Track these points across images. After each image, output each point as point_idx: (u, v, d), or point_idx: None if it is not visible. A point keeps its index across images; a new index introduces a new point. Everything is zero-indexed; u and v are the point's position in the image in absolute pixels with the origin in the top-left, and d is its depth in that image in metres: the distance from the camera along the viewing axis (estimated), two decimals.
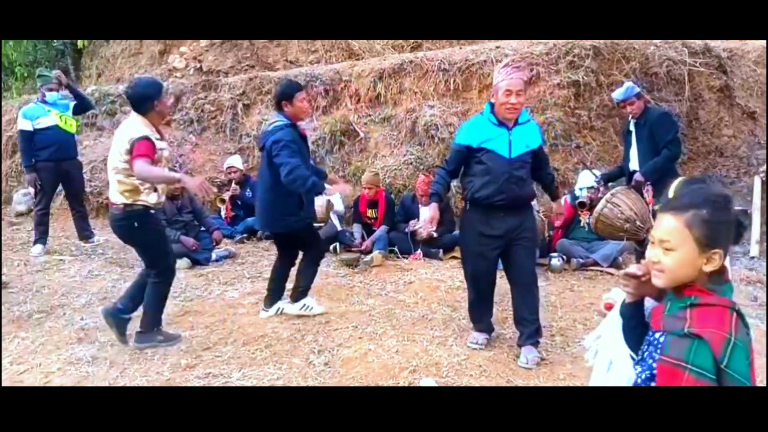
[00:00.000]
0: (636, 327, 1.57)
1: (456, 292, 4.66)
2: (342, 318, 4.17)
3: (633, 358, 1.58)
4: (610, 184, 5.10)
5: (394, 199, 6.23)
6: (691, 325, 1.33)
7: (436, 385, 3.17)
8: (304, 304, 4.17)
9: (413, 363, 3.43)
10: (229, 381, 3.27)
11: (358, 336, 3.85)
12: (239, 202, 6.63)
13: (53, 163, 5.91)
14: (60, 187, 6.33)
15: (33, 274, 5.34)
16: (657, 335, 1.43)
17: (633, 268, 1.57)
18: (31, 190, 6.87)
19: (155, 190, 3.54)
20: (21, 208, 8.16)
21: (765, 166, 6.43)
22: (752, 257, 5.66)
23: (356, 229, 6.00)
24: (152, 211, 3.56)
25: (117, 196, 3.48)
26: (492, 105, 3.43)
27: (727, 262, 1.54)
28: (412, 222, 5.82)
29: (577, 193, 5.50)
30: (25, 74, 11.60)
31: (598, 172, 5.45)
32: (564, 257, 5.35)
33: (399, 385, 3.17)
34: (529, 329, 3.52)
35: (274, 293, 4.20)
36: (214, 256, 5.63)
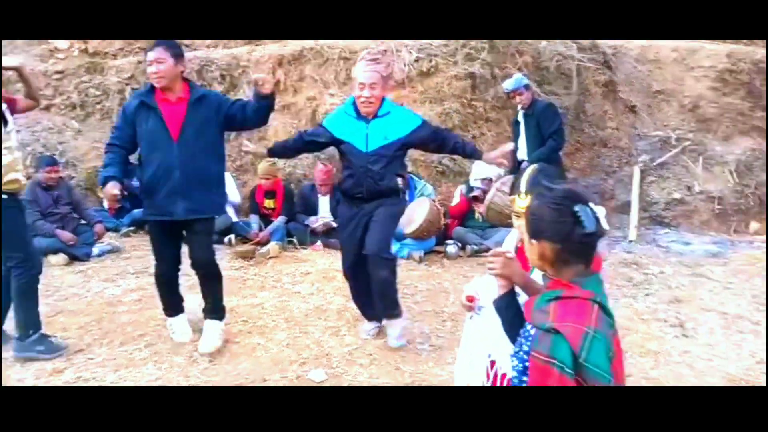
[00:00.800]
0: (514, 318, 1.55)
1: None
2: (232, 312, 4.00)
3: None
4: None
5: (293, 189, 6.10)
6: (552, 320, 1.34)
7: (326, 376, 3.13)
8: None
9: (303, 355, 3.37)
10: (103, 384, 3.04)
11: (248, 330, 3.72)
12: (125, 193, 6.20)
13: None
14: None
15: None
16: (528, 327, 1.44)
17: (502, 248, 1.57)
18: None
19: (15, 171, 3.21)
20: None
21: (643, 156, 6.94)
22: (630, 241, 6.07)
23: (253, 220, 5.81)
24: (4, 196, 3.19)
25: None
26: (354, 98, 3.40)
27: (603, 250, 1.56)
28: (312, 219, 5.74)
29: (472, 183, 5.62)
30: None
31: (499, 170, 5.59)
32: (459, 244, 5.48)
33: (286, 378, 3.09)
34: (382, 303, 3.49)
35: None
36: (95, 251, 5.24)
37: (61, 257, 4.99)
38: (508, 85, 5.12)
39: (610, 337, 1.35)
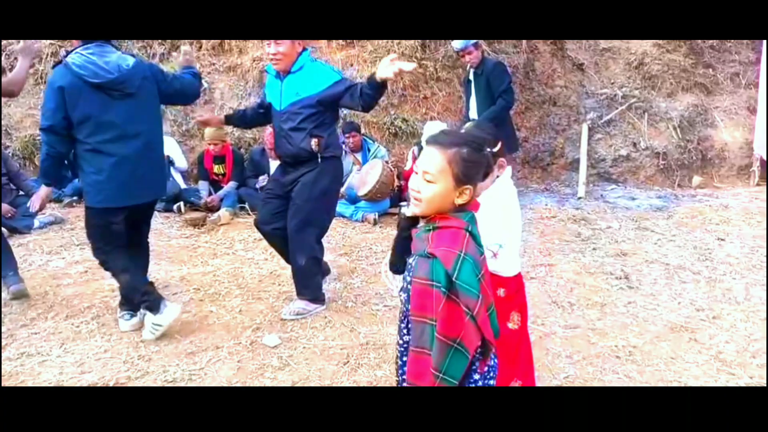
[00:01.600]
0: (405, 240, 1.63)
1: None
2: (183, 281, 3.94)
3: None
4: None
5: (242, 154, 5.96)
6: (431, 247, 1.46)
7: (280, 341, 3.12)
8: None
9: (257, 321, 3.35)
10: (48, 359, 2.95)
11: (200, 299, 3.67)
12: (66, 162, 5.92)
13: None
14: None
15: None
16: (410, 260, 1.55)
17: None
18: None
19: None
20: None
21: (592, 114, 7.06)
22: (579, 198, 6.23)
23: (202, 187, 5.67)
24: None
25: None
26: None
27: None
28: (261, 178, 5.62)
29: (424, 145, 5.61)
30: None
31: (444, 125, 5.59)
32: None
33: (240, 344, 3.07)
34: (299, 282, 3.46)
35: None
36: (37, 223, 5.01)
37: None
38: (457, 44, 5.08)
39: (479, 260, 1.47)
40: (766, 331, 3.23)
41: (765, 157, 6.51)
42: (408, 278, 1.54)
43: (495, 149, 1.70)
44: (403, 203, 5.48)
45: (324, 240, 3.61)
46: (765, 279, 3.90)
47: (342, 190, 5.35)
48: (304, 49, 3.28)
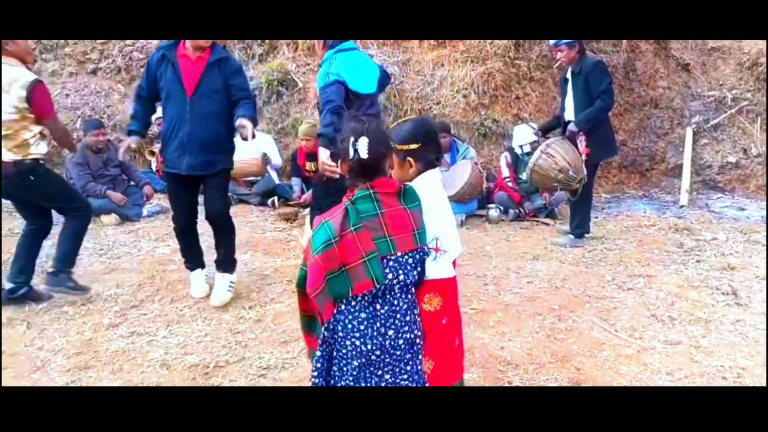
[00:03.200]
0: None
1: None
2: (277, 273, 4.10)
3: None
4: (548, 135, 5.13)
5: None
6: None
7: None
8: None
9: None
10: (155, 339, 3.17)
11: (292, 290, 3.78)
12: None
13: None
14: None
15: None
16: None
17: None
18: None
19: (44, 137, 3.35)
20: None
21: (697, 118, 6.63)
22: (681, 206, 5.87)
23: (295, 183, 5.86)
24: (42, 161, 3.39)
25: (4, 153, 3.21)
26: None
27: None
28: None
29: (517, 150, 5.47)
30: None
31: (534, 125, 5.45)
32: (501, 208, 5.40)
33: None
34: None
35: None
36: (145, 211, 5.40)
37: (113, 217, 5.17)
38: (551, 40, 4.89)
39: (337, 227, 1.68)
40: (766, 330, 3.15)
41: None
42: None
43: (407, 147, 1.94)
44: (491, 205, 5.40)
45: None
46: None
47: None
48: (330, 48, 3.40)
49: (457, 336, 2.05)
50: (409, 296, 1.81)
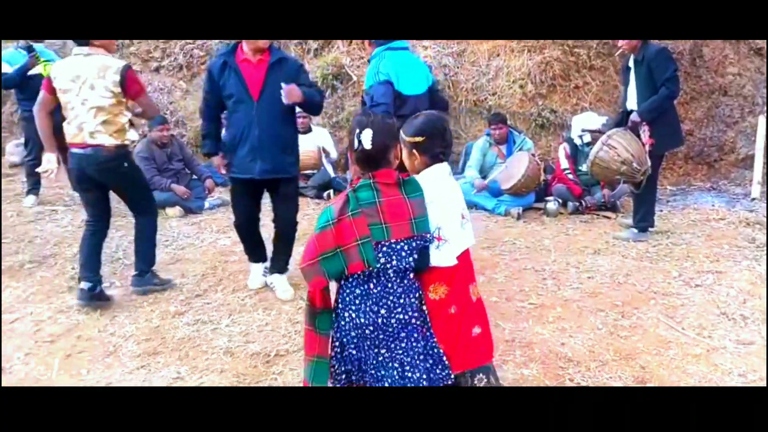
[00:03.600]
0: None
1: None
2: None
3: None
4: None
5: None
6: None
7: None
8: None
9: None
10: (218, 327, 3.28)
11: None
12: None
13: None
14: None
15: (25, 224, 5.31)
16: None
17: None
18: (22, 140, 6.75)
19: (132, 125, 3.51)
20: (14, 159, 8.06)
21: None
22: (753, 198, 5.58)
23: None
24: (130, 148, 3.56)
25: (105, 138, 3.37)
26: None
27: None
28: None
29: (577, 141, 5.33)
30: None
31: (603, 119, 5.26)
32: (560, 201, 5.28)
33: None
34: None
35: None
36: (206, 204, 5.58)
37: (177, 210, 5.37)
38: None
39: (336, 211, 1.82)
40: (766, 331, 3.07)
41: None
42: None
43: (413, 140, 1.99)
44: (549, 198, 5.29)
45: None
46: None
47: (485, 182, 5.30)
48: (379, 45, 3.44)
49: (477, 324, 2.07)
50: (405, 281, 1.90)
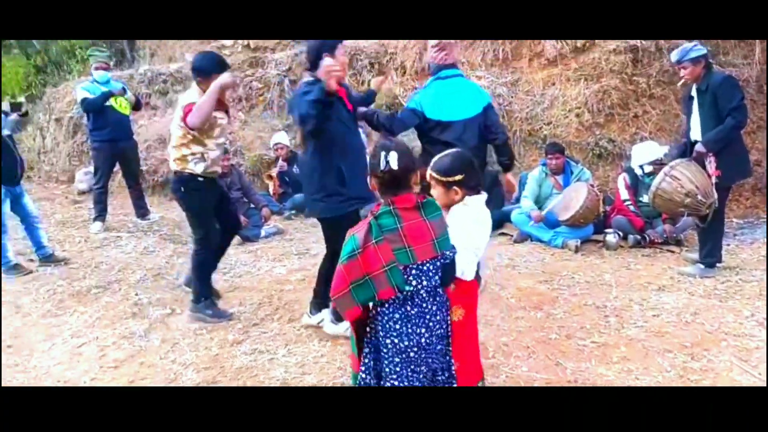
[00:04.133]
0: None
1: (504, 270, 4.55)
2: None
3: None
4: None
5: None
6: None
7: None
8: (322, 319, 3.59)
9: None
10: (275, 357, 3.31)
11: None
12: (287, 179, 6.67)
13: (109, 143, 6.08)
14: (117, 166, 6.52)
15: (92, 250, 5.56)
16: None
17: None
18: (91, 169, 7.11)
19: (203, 159, 3.62)
20: (82, 187, 8.51)
21: None
22: None
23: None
24: (200, 179, 3.67)
25: (172, 164, 3.72)
26: None
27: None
28: None
29: (637, 171, 5.16)
30: (85, 56, 12.00)
31: (665, 149, 5.09)
32: (620, 233, 5.11)
33: None
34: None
35: (322, 295, 3.52)
36: (263, 232, 5.70)
37: (234, 238, 5.48)
38: (673, 55, 4.58)
39: (361, 240, 1.90)
40: (766, 332, 3.09)
41: None
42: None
43: (453, 179, 2.17)
44: (608, 230, 5.13)
45: (521, 264, 3.54)
46: None
47: (542, 213, 5.20)
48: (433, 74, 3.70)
49: (475, 337, 2.32)
50: (437, 298, 2.01)
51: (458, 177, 2.16)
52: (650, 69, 5.84)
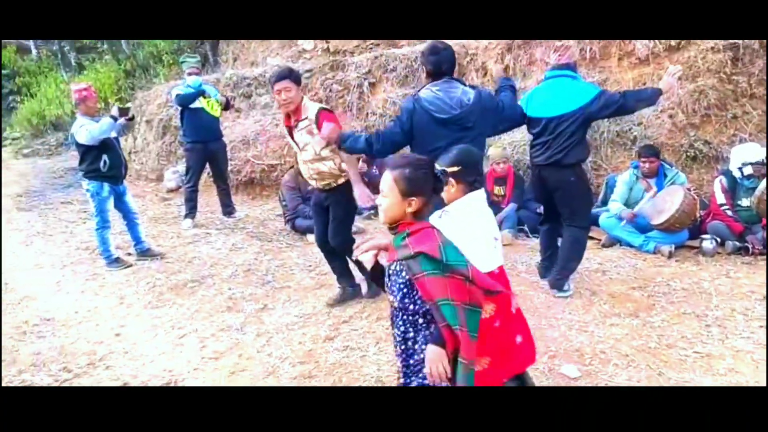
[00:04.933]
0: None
1: (594, 275, 4.41)
2: None
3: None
4: None
5: (523, 176, 6.00)
6: (413, 248, 1.87)
7: (579, 374, 3.03)
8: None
9: (552, 348, 3.31)
10: (366, 354, 3.36)
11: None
12: (366, 180, 6.74)
13: (201, 144, 6.38)
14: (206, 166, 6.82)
15: (185, 245, 5.84)
16: (392, 266, 1.97)
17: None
18: (180, 168, 7.45)
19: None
20: (171, 185, 8.95)
21: None
22: None
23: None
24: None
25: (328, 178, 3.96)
26: None
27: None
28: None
29: (736, 174, 4.87)
30: (171, 61, 12.65)
31: (763, 148, 4.79)
32: (717, 239, 4.84)
33: (538, 370, 3.07)
34: None
35: None
36: None
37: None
38: None
39: (455, 243, 1.91)
40: (766, 333, 3.11)
41: None
42: (398, 279, 1.95)
43: (450, 169, 2.25)
44: (705, 236, 4.87)
45: (611, 269, 4.01)
46: None
47: (633, 211, 5.01)
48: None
49: (519, 334, 2.30)
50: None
51: (455, 168, 2.27)
52: (752, 67, 5.48)
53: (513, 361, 2.27)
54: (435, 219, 2.17)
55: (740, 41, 5.48)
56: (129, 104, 6.86)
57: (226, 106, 6.68)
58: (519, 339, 2.29)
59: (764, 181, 4.05)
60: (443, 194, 2.19)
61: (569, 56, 3.98)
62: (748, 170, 4.77)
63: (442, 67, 3.30)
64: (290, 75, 3.69)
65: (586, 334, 3.46)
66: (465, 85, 3.33)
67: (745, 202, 4.88)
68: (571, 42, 4.01)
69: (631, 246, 5.00)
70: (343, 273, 4.16)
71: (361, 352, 3.41)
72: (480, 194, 2.30)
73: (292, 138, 3.88)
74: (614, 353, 3.22)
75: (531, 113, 3.95)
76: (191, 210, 6.57)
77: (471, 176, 2.29)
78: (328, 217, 4.00)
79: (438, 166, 2.15)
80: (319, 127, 3.60)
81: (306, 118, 3.70)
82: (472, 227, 2.22)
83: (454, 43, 7.24)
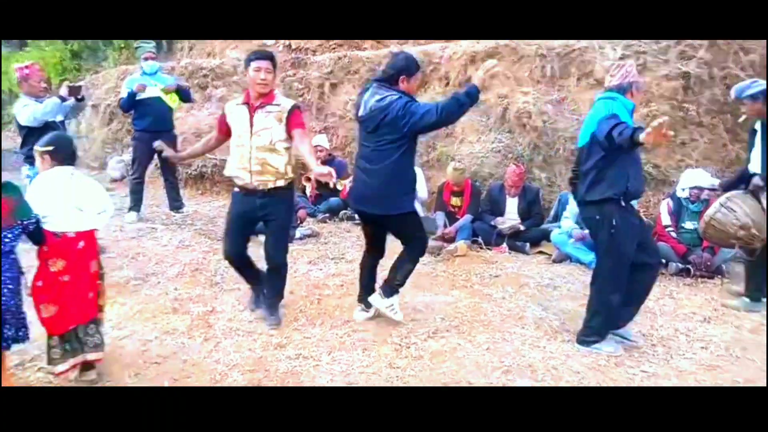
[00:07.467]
0: None
1: (546, 290, 4.48)
2: (427, 309, 4.10)
3: None
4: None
5: (480, 188, 6.05)
6: None
7: None
8: (392, 304, 3.76)
9: (506, 363, 3.32)
10: (319, 364, 3.27)
11: (446, 329, 3.76)
12: (324, 182, 6.64)
13: (150, 134, 6.09)
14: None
15: (128, 240, 5.58)
16: None
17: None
18: (126, 158, 7.14)
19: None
20: (115, 175, 8.57)
21: None
22: None
23: (439, 217, 5.87)
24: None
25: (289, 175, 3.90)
26: None
27: None
28: (499, 219, 5.66)
29: (680, 194, 5.09)
30: (122, 44, 12.13)
31: (715, 180, 5.02)
32: (662, 260, 5.01)
33: (492, 384, 3.07)
34: None
35: (369, 290, 3.86)
36: (298, 234, 5.67)
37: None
38: (732, 92, 4.47)
39: None
40: (766, 333, 3.14)
41: None
42: None
43: (42, 149, 2.87)
44: None
45: (562, 285, 3.78)
46: None
47: (584, 232, 5.12)
48: None
49: (91, 291, 2.94)
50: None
51: (49, 148, 2.84)
52: (701, 97, 5.73)
53: (81, 312, 2.88)
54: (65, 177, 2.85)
55: (692, 70, 5.73)
56: (81, 82, 6.47)
57: (187, 98, 6.42)
58: (91, 295, 2.92)
59: (713, 206, 4.21)
60: (38, 166, 2.90)
61: (623, 76, 3.42)
62: (685, 193, 5.02)
63: (386, 72, 3.55)
64: (272, 58, 3.59)
65: (538, 350, 3.48)
66: (394, 93, 3.41)
67: (689, 224, 5.09)
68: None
69: (580, 263, 5.11)
70: (256, 278, 3.98)
71: (313, 361, 3.31)
72: (66, 170, 2.86)
73: (250, 120, 3.56)
74: (566, 370, 3.26)
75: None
76: (136, 203, 6.28)
77: (60, 155, 2.85)
78: (251, 230, 3.86)
79: (37, 147, 2.87)
80: (289, 124, 3.56)
81: (278, 104, 3.58)
82: (52, 192, 2.81)
83: (419, 50, 7.28)
